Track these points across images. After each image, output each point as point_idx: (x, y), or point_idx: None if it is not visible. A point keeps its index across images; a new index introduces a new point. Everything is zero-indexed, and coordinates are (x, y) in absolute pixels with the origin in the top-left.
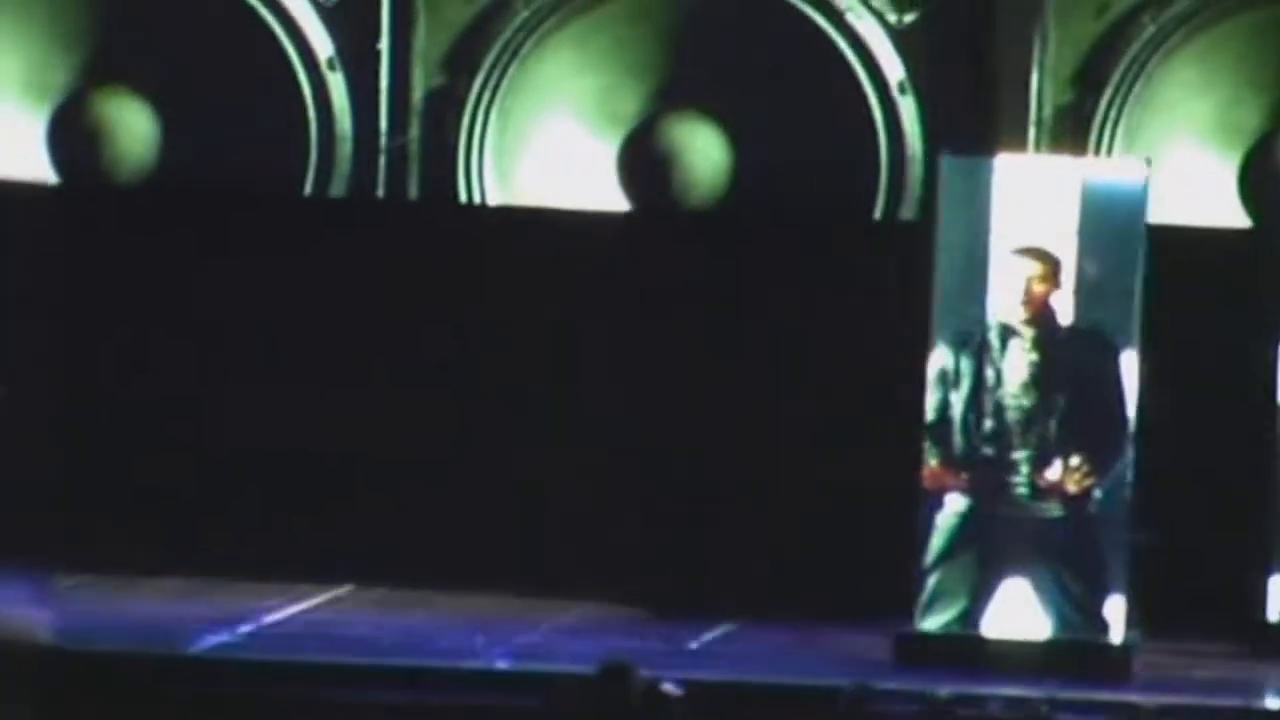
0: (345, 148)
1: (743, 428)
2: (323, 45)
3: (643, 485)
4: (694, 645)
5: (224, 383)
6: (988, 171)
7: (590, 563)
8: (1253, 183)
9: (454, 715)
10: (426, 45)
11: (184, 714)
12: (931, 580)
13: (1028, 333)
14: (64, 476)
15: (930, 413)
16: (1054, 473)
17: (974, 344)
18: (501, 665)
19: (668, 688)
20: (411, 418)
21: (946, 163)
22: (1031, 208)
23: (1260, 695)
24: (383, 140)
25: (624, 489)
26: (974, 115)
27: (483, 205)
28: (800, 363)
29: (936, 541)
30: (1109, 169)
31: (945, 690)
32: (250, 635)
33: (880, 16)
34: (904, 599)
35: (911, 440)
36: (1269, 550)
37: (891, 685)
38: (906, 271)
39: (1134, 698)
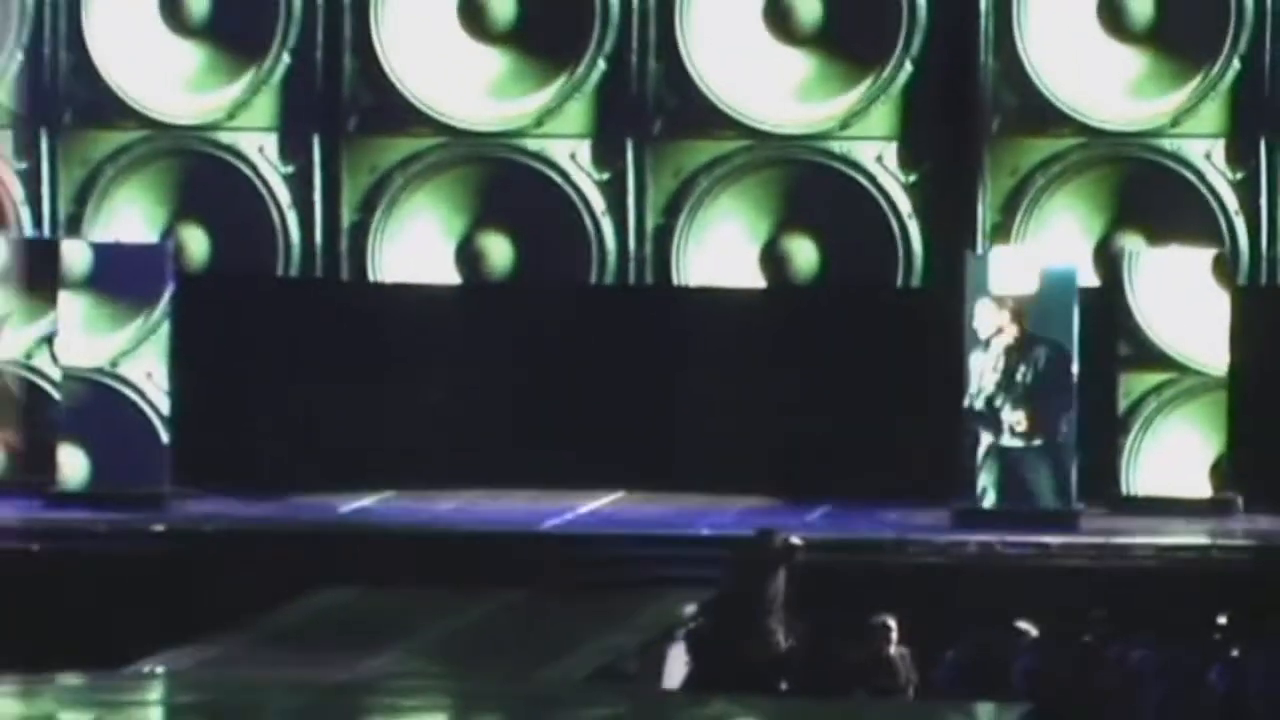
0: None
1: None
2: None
3: (780, 423)
4: (809, 519)
5: None
6: (988, 259)
7: (744, 472)
8: (1100, 257)
9: (708, 564)
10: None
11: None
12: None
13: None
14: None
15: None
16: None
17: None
18: (705, 533)
19: (794, 540)
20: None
21: (970, 256)
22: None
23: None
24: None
25: (766, 426)
26: (956, 233)
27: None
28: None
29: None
30: (1050, 255)
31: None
32: (577, 519)
33: (895, 176)
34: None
35: None
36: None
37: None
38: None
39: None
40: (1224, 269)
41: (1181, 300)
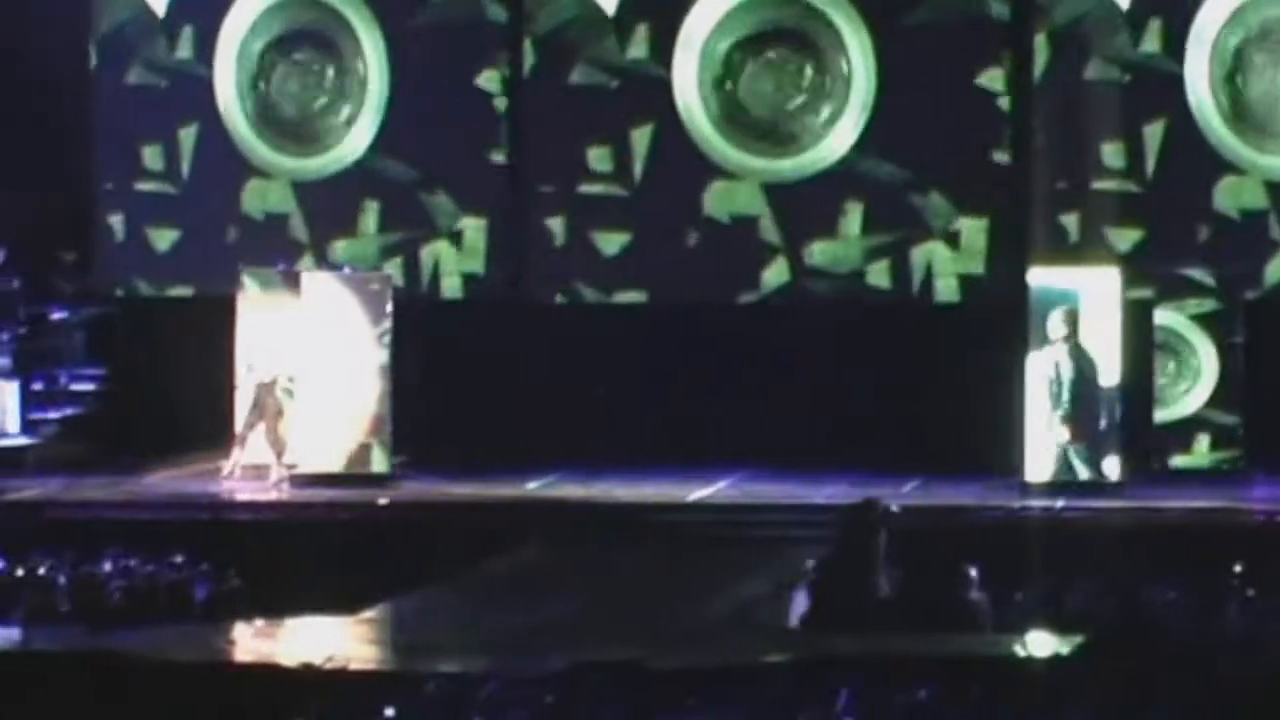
0: None
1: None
2: None
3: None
4: (904, 489)
5: None
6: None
7: (851, 451)
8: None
9: (824, 526)
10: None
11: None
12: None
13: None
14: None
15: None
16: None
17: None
18: (820, 500)
19: (894, 508)
20: None
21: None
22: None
23: None
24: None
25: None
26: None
27: None
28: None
29: None
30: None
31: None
32: (716, 491)
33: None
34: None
35: None
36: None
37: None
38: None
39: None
40: None
41: None
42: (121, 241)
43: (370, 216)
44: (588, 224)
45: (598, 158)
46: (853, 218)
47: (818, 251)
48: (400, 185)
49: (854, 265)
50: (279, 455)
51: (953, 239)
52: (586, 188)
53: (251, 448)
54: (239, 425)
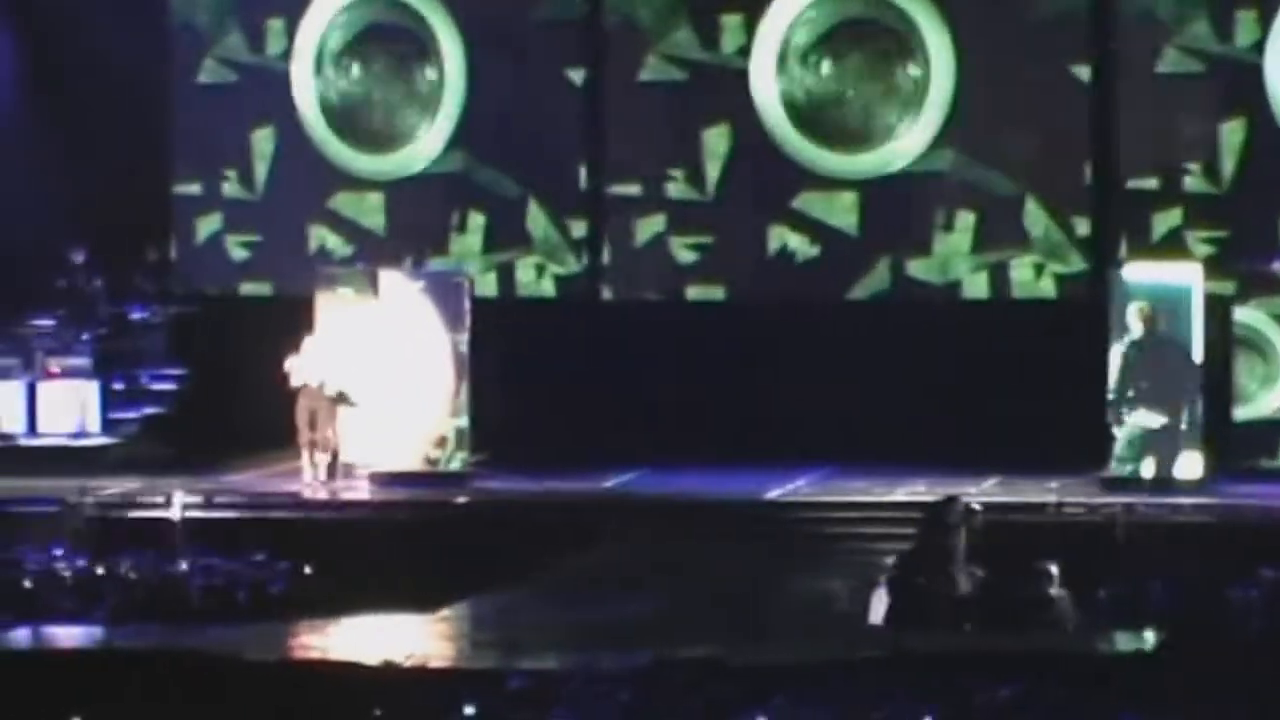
0: None
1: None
2: None
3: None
4: (985, 485)
5: None
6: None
7: (931, 448)
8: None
9: (904, 523)
10: None
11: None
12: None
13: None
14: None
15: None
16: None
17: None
18: (900, 498)
19: (974, 505)
20: None
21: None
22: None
23: None
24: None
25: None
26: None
27: None
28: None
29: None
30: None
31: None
32: (796, 488)
33: None
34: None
35: None
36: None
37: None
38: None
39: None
40: None
41: None
42: (201, 242)
43: (453, 219)
44: (669, 225)
45: (677, 157)
46: (953, 220)
47: (910, 259)
48: (481, 187)
49: (948, 272)
50: (334, 456)
51: (1041, 238)
52: (669, 189)
53: (323, 447)
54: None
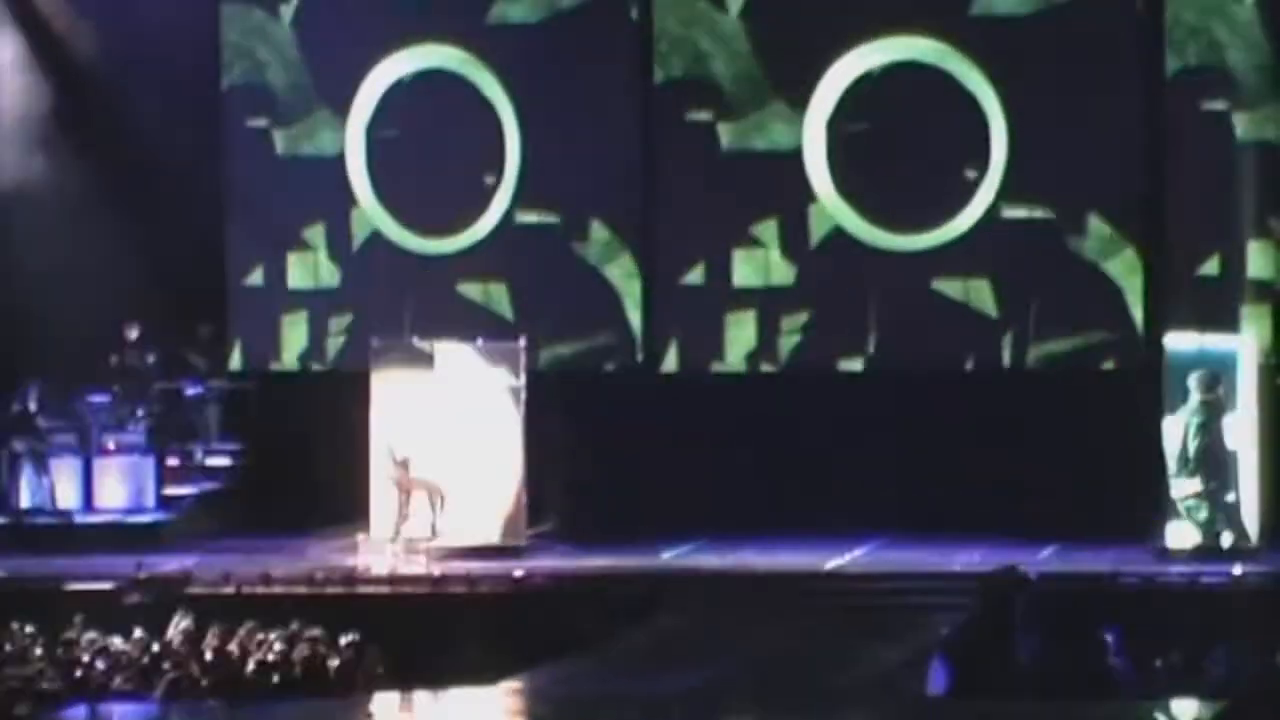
0: None
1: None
2: None
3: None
4: (1041, 555)
5: None
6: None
7: (987, 518)
8: None
9: (960, 594)
10: None
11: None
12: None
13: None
14: None
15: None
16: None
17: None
18: (957, 568)
19: (1031, 575)
20: None
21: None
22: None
23: None
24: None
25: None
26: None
27: None
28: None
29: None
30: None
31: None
32: (853, 559)
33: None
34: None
35: None
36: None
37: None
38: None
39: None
40: None
41: None
42: (256, 318)
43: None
44: (726, 300)
45: (743, 232)
46: None
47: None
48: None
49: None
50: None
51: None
52: (730, 264)
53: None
54: (396, 504)
